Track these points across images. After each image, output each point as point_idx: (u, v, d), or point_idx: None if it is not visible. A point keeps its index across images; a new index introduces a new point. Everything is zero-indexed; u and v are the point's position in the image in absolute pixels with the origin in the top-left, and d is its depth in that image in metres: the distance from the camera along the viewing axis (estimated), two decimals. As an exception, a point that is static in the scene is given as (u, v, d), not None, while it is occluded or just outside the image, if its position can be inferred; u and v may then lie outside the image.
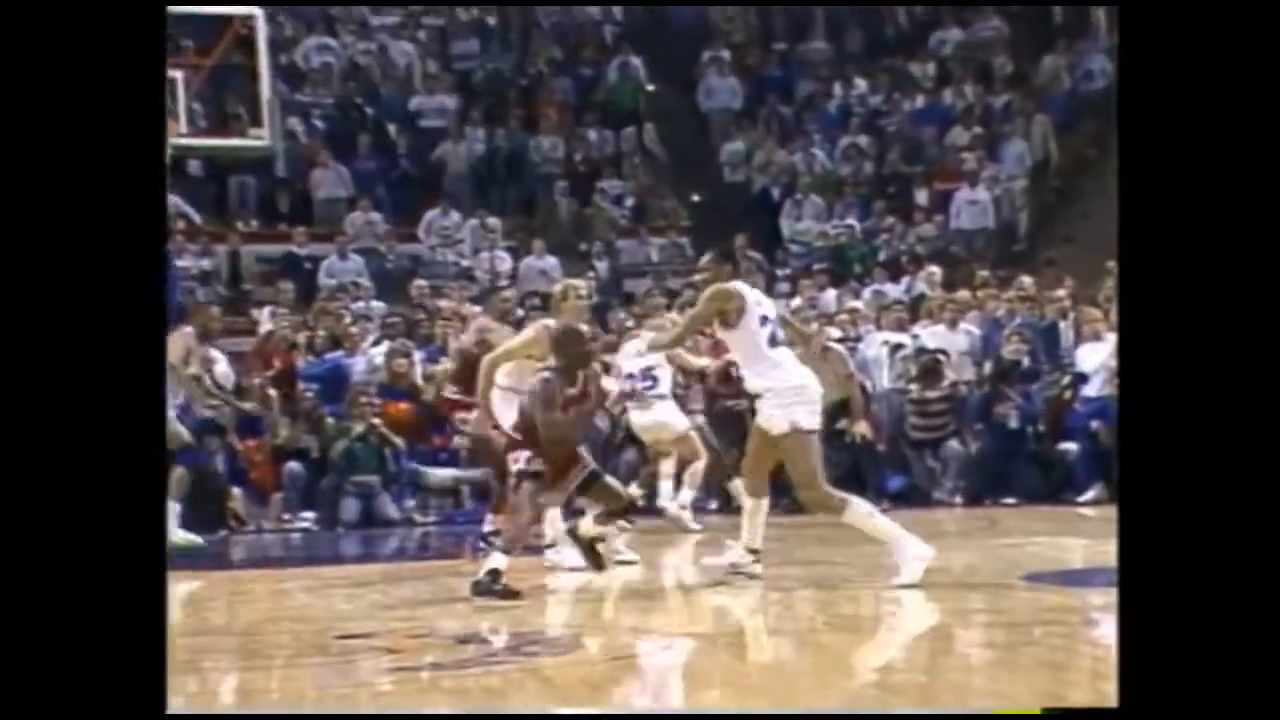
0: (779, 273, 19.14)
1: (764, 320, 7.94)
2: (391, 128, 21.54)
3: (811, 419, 7.84)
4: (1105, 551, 9.98)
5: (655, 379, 12.07)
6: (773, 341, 7.94)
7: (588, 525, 8.26)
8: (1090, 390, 14.93)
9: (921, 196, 21.13)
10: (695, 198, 21.80)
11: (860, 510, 7.87)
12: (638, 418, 12.34)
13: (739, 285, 8.02)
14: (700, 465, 12.28)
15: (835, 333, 14.97)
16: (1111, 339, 14.88)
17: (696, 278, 8.76)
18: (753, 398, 8.05)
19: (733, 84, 22.78)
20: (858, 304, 17.11)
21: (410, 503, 14.87)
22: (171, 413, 11.61)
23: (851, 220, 20.78)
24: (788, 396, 7.84)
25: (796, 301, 16.75)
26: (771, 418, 7.85)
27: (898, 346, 15.73)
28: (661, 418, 12.21)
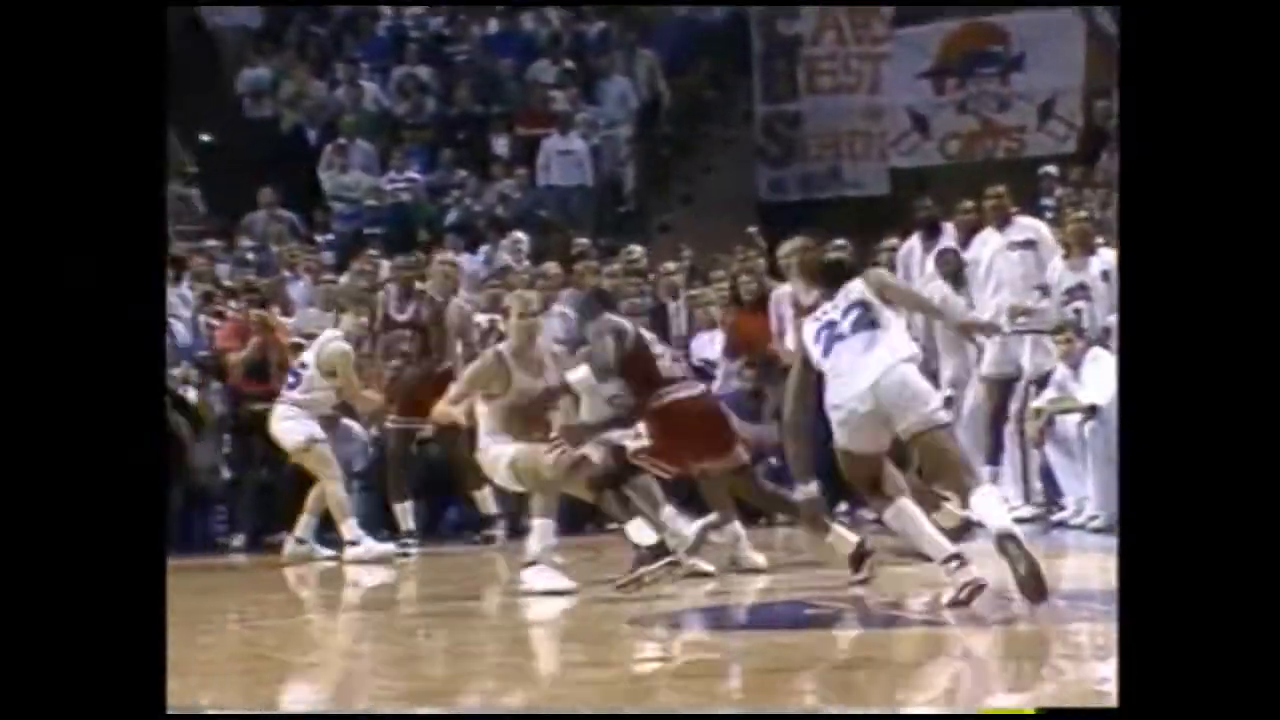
0: (320, 239, 18.58)
1: None
2: None
3: None
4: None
5: None
6: None
7: None
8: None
9: (500, 145, 20.70)
10: (205, 137, 20.62)
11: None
12: None
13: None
14: None
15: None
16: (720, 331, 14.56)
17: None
18: None
19: (247, -6, 22.27)
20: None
21: None
22: None
23: (413, 173, 20.13)
24: None
25: (345, 278, 15.57)
26: None
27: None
28: None
